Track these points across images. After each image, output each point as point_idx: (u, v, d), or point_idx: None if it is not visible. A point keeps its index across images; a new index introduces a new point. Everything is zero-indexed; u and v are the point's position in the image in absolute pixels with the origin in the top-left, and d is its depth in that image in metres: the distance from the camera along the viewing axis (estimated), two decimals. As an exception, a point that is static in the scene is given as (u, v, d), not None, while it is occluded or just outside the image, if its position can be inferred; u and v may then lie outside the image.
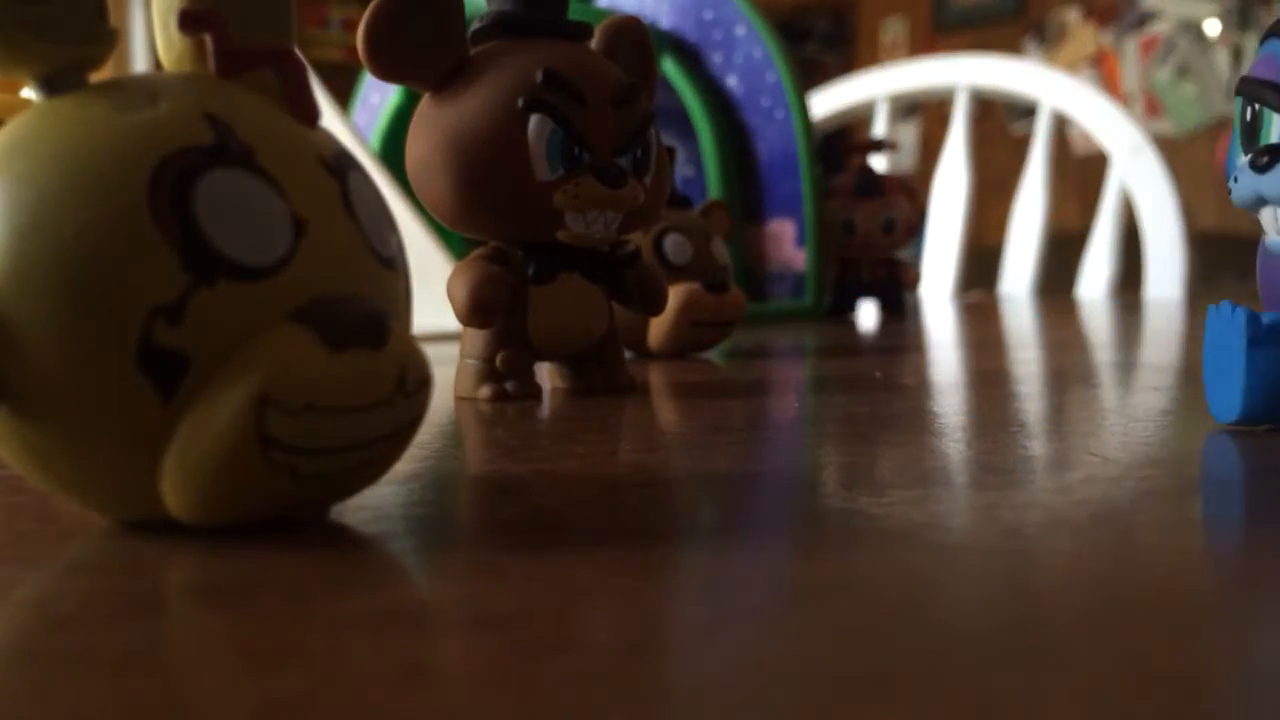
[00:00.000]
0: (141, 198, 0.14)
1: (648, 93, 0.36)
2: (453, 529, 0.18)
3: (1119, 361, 0.46)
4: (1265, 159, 0.23)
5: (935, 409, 0.31)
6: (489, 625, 0.12)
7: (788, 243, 0.83)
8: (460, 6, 0.32)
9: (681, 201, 0.54)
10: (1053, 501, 0.19)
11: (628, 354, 0.46)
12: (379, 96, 0.88)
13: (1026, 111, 1.87)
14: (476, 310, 0.32)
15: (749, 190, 0.84)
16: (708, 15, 0.83)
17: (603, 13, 0.76)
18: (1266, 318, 0.24)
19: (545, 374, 0.38)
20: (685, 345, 0.49)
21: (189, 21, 0.16)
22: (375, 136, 0.86)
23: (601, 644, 0.12)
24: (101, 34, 0.16)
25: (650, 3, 0.85)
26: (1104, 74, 2.48)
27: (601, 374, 0.36)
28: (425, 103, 0.33)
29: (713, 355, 0.51)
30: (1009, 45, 2.55)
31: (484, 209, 0.32)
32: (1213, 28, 2.21)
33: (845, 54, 2.92)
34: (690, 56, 0.84)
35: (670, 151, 0.42)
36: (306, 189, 0.16)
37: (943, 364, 0.49)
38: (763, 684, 0.11)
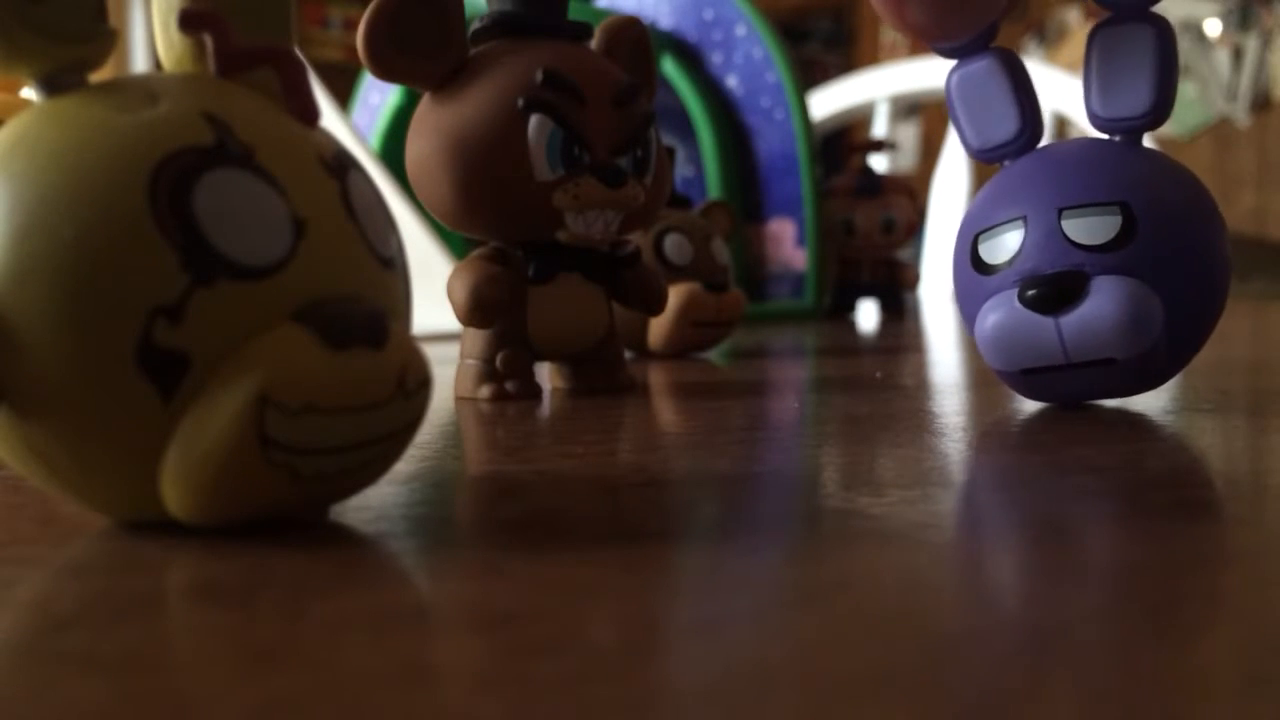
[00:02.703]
0: (141, 198, 0.14)
1: (648, 93, 0.36)
2: (453, 529, 0.18)
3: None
4: None
5: (935, 409, 0.31)
6: (489, 625, 0.12)
7: (788, 243, 0.83)
8: (460, 6, 0.32)
9: (681, 201, 0.54)
10: (1052, 501, 0.19)
11: (628, 354, 0.46)
12: (379, 96, 0.88)
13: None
14: (476, 310, 0.32)
15: (749, 190, 0.84)
16: (708, 15, 0.83)
17: (603, 13, 0.77)
18: None
19: (545, 374, 0.38)
20: (685, 345, 0.49)
21: (189, 21, 0.16)
22: (375, 136, 0.86)
23: (601, 644, 0.12)
24: (101, 34, 0.16)
25: (650, 3, 0.85)
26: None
27: (601, 374, 0.36)
28: (425, 103, 0.33)
29: (713, 355, 0.51)
30: (1009, 45, 2.55)
31: (484, 209, 0.32)
32: (1213, 28, 2.21)
33: (845, 54, 2.92)
34: (690, 56, 0.84)
35: (670, 151, 0.42)
36: (306, 189, 0.16)
37: (943, 364, 0.49)
38: (763, 684, 0.11)
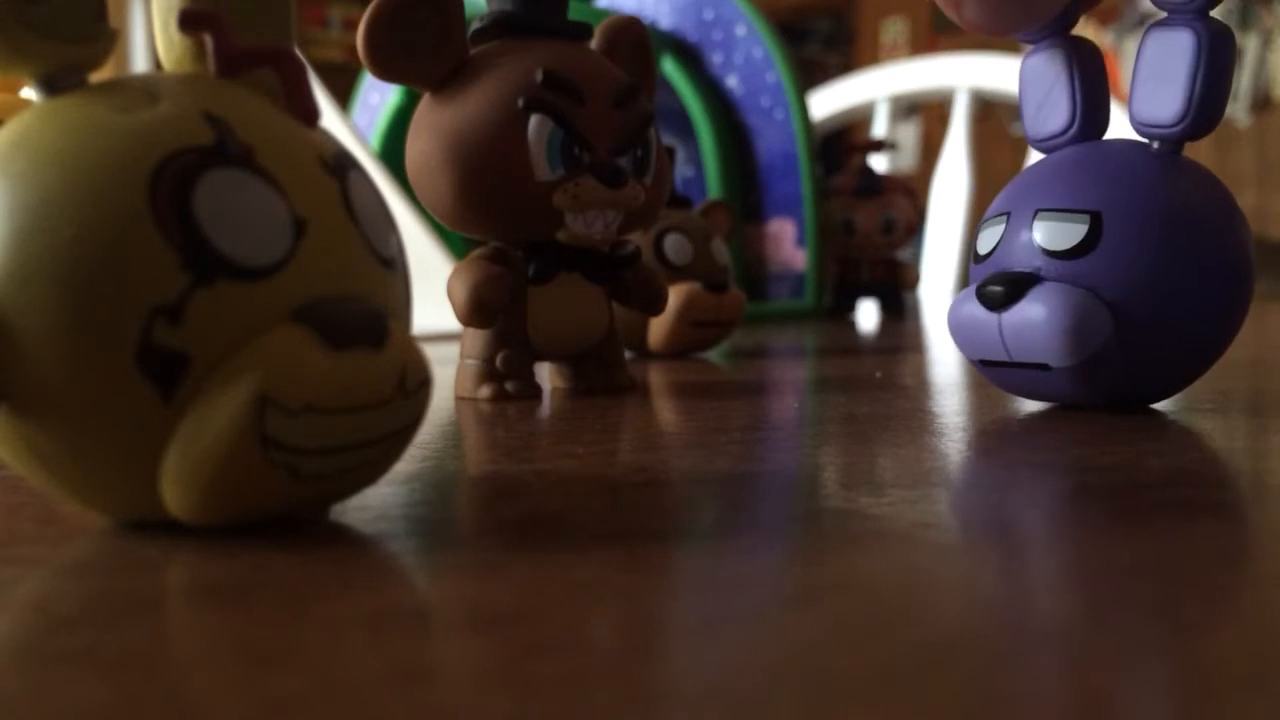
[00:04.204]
0: (141, 198, 0.14)
1: (647, 93, 0.36)
2: (453, 529, 0.18)
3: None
4: None
5: (935, 409, 0.31)
6: (489, 625, 0.12)
7: (788, 243, 0.83)
8: (460, 7, 0.32)
9: (681, 201, 0.54)
10: (1053, 501, 0.19)
11: (628, 354, 0.46)
12: (379, 96, 0.88)
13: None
14: (476, 310, 0.32)
15: (749, 190, 0.84)
16: (708, 15, 0.83)
17: (603, 13, 0.76)
18: None
19: (545, 374, 0.38)
20: (685, 345, 0.49)
21: (189, 21, 0.16)
22: (375, 136, 0.86)
23: (601, 644, 0.12)
24: (101, 34, 0.16)
25: (650, 3, 0.85)
26: (1104, 74, 2.48)
27: (601, 374, 0.36)
28: (425, 103, 0.33)
29: (713, 355, 0.51)
30: (1009, 45, 2.54)
31: (484, 209, 0.32)
32: (1213, 28, 2.20)
33: (845, 54, 2.92)
34: (690, 56, 0.84)
35: (670, 151, 0.42)
36: (306, 189, 0.16)
37: (943, 364, 0.49)
38: (763, 684, 0.11)
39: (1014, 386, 0.29)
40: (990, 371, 0.29)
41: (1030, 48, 0.30)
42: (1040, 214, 0.27)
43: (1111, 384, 0.27)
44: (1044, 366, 0.27)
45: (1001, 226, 0.28)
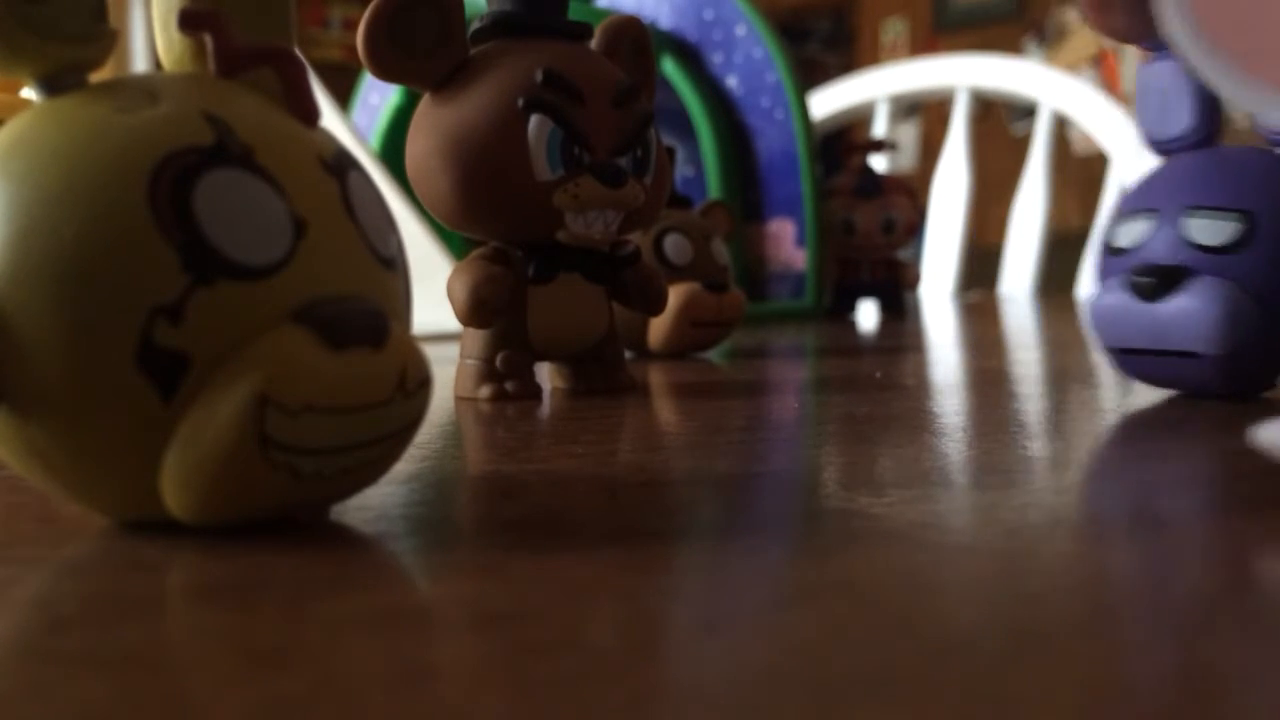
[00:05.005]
0: (141, 197, 0.14)
1: (648, 93, 0.36)
2: (453, 529, 0.18)
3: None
4: None
5: (935, 409, 0.31)
6: (489, 625, 0.12)
7: (788, 243, 0.83)
8: (460, 7, 0.32)
9: (681, 201, 0.54)
10: (1053, 501, 0.19)
11: (628, 354, 0.46)
12: (379, 96, 0.88)
13: (1026, 112, 1.86)
14: (477, 310, 0.32)
15: (749, 190, 0.84)
16: (708, 15, 0.83)
17: (603, 13, 0.76)
18: None
19: (545, 374, 0.38)
20: (685, 345, 0.49)
21: (189, 21, 0.16)
22: (375, 136, 0.86)
23: (601, 644, 0.12)
24: (101, 34, 0.16)
25: (650, 3, 0.85)
26: (1104, 74, 2.48)
27: (601, 374, 0.36)
28: (425, 103, 0.33)
29: (713, 355, 0.51)
30: (1009, 45, 2.55)
31: (484, 209, 0.32)
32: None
33: (845, 54, 2.92)
34: (690, 56, 0.84)
35: (670, 151, 0.42)
36: (306, 189, 0.16)
37: (943, 364, 0.49)
38: (763, 684, 0.11)
39: (1154, 375, 0.30)
40: (1129, 359, 0.30)
41: (1152, 55, 0.31)
42: (1192, 211, 0.28)
43: (1248, 373, 0.28)
44: (1192, 354, 0.28)
45: (1145, 222, 0.29)
